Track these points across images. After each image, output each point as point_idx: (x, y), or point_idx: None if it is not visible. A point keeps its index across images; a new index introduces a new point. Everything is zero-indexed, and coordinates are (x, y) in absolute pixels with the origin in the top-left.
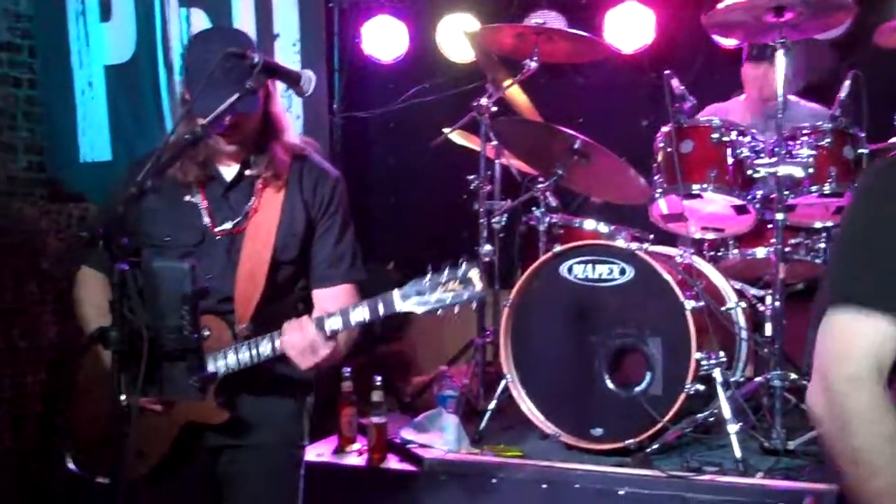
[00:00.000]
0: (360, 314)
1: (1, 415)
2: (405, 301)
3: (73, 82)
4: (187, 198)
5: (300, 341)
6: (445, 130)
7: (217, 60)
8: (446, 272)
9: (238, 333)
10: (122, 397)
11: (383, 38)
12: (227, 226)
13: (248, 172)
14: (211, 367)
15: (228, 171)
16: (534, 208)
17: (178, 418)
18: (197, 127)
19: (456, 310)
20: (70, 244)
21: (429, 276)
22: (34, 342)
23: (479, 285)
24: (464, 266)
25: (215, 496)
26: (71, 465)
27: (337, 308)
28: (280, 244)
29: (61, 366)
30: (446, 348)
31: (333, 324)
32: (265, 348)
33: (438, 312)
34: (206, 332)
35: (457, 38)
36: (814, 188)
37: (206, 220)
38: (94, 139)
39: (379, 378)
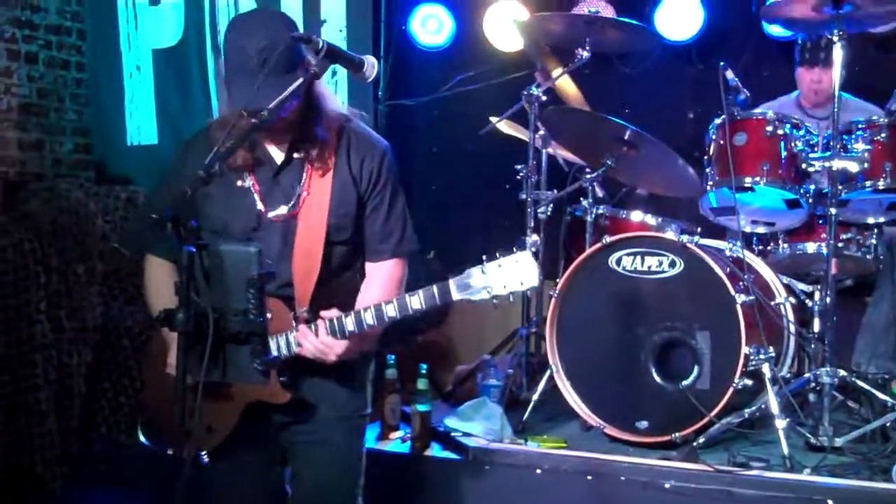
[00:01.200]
0: (415, 303)
1: (46, 394)
2: (460, 291)
3: (122, 65)
4: (239, 183)
5: (309, 348)
6: (493, 119)
7: (257, 58)
8: (501, 261)
9: (299, 316)
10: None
11: (430, 26)
12: (282, 210)
13: (296, 155)
14: (274, 351)
15: (278, 153)
16: (581, 199)
17: (244, 397)
18: (264, 112)
19: (511, 299)
20: (139, 226)
21: (483, 265)
22: (80, 323)
23: (533, 274)
24: (518, 255)
25: (278, 474)
26: (142, 438)
27: (383, 286)
28: (333, 225)
29: (106, 347)
30: (485, 338)
31: (349, 325)
32: (284, 350)
33: (494, 302)
34: (269, 316)
35: (503, 26)
36: (868, 183)
37: (259, 205)
38: (142, 122)
39: (424, 366)
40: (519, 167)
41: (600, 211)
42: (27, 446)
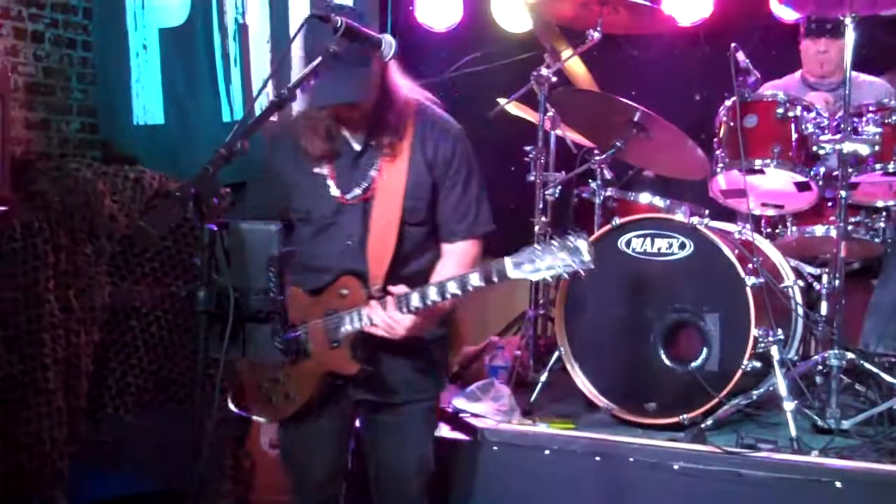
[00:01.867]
0: (474, 280)
1: (54, 374)
2: (517, 269)
3: (128, 45)
4: (316, 170)
5: (378, 323)
6: (502, 101)
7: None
8: (556, 241)
9: (373, 294)
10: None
11: (437, 7)
12: (357, 192)
13: (372, 142)
14: (347, 324)
15: (356, 140)
16: (590, 181)
17: (319, 368)
18: (283, 90)
19: (565, 275)
20: (162, 204)
21: (539, 244)
22: (88, 303)
23: (587, 255)
24: (573, 236)
25: (346, 441)
26: (231, 406)
27: (457, 265)
28: (408, 207)
29: (114, 326)
30: (492, 320)
31: (414, 300)
32: (357, 323)
33: (548, 279)
34: (344, 291)
35: (511, 7)
36: (878, 166)
37: (336, 190)
38: (148, 102)
39: None
40: (528, 149)
41: (609, 193)
42: (35, 426)
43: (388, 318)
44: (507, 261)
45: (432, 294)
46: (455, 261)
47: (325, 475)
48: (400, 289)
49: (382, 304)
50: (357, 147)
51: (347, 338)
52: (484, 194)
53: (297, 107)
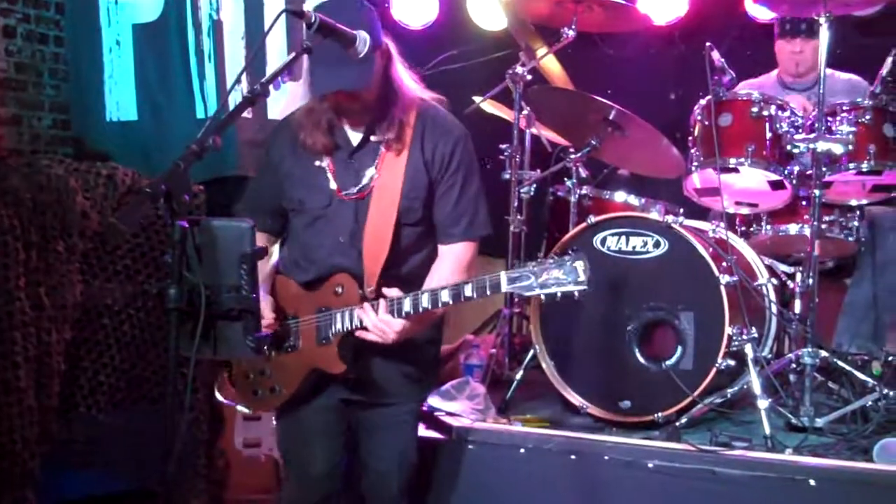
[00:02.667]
0: (467, 291)
1: (25, 372)
2: (512, 284)
3: (101, 40)
4: (317, 163)
5: (369, 327)
6: (477, 98)
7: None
8: (554, 260)
9: (366, 294)
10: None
11: (413, 4)
12: (352, 190)
13: (372, 138)
14: (339, 323)
15: (355, 135)
16: (565, 179)
17: (306, 363)
18: (256, 87)
19: (558, 297)
20: (134, 201)
21: (536, 261)
22: (59, 301)
23: (583, 277)
24: (571, 256)
25: (343, 437)
26: (218, 396)
27: (451, 268)
28: (404, 207)
29: (86, 324)
30: (467, 318)
31: (406, 306)
32: (347, 323)
33: (542, 298)
34: (339, 289)
35: (487, 5)
36: (852, 165)
37: (333, 184)
38: (121, 98)
39: None
40: (503, 147)
41: (584, 191)
42: (6, 425)
43: (379, 322)
44: (503, 275)
45: (424, 301)
46: (451, 263)
47: (324, 469)
48: (393, 292)
49: (374, 307)
50: (356, 142)
51: (337, 337)
52: (482, 197)
53: (300, 101)
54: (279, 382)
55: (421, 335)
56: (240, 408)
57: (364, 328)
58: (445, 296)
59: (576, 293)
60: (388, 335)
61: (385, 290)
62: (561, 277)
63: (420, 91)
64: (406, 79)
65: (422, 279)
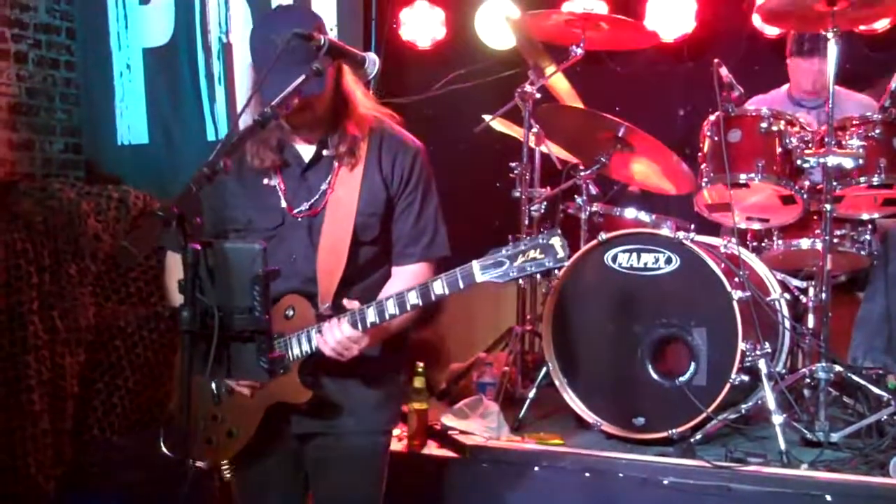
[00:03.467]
0: (437, 288)
1: (39, 395)
2: (485, 272)
3: (112, 65)
4: (265, 181)
5: (330, 342)
6: (486, 117)
7: (283, 43)
8: (526, 240)
9: (322, 313)
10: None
11: (421, 24)
12: (304, 207)
13: (325, 152)
14: (295, 348)
15: (306, 151)
16: (575, 196)
17: (265, 399)
18: (266, 109)
19: (538, 277)
20: (146, 224)
21: (509, 245)
22: (73, 324)
23: (560, 252)
24: (546, 233)
25: (302, 481)
26: (163, 448)
27: (407, 283)
28: (360, 223)
29: (99, 347)
30: (478, 336)
31: (370, 316)
32: (306, 346)
33: (519, 281)
34: (290, 312)
35: (495, 24)
36: (862, 179)
37: (284, 203)
38: (132, 122)
39: (420, 364)
40: (513, 165)
41: (594, 208)
42: (20, 448)
43: (342, 338)
44: (475, 264)
45: (390, 307)
46: (405, 281)
47: None
48: (353, 304)
49: (336, 323)
50: (307, 158)
51: (296, 363)
52: (441, 217)
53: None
54: (236, 425)
55: (378, 356)
56: (195, 463)
57: (325, 346)
58: (413, 297)
59: (556, 271)
60: (351, 352)
61: (345, 302)
62: (538, 258)
63: (373, 106)
64: (358, 92)
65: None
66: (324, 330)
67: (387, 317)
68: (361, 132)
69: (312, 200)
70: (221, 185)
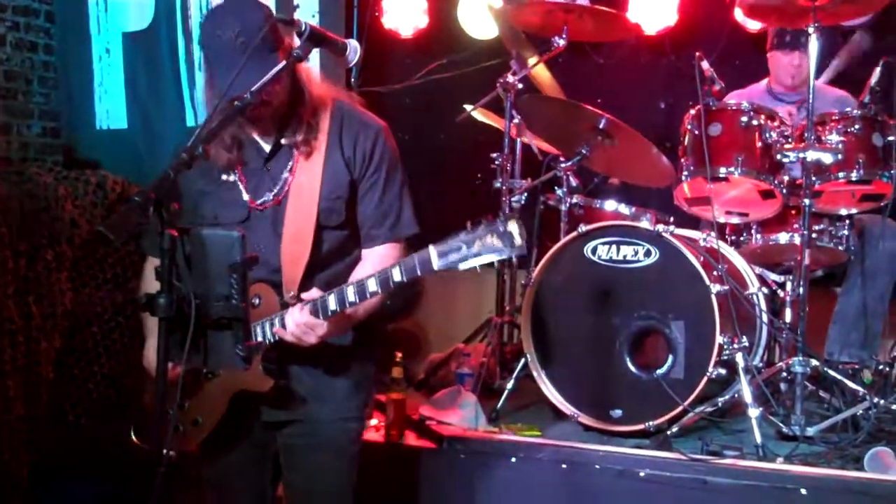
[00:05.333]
0: (396, 275)
1: (14, 382)
2: (442, 258)
3: (91, 49)
4: (224, 177)
5: (290, 327)
6: (468, 107)
7: (234, 45)
8: (483, 226)
9: (287, 300)
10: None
11: (403, 13)
12: (267, 197)
13: (284, 141)
14: (259, 336)
15: (265, 143)
16: (555, 188)
17: (229, 387)
18: (246, 94)
19: (495, 264)
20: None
21: (466, 230)
22: (49, 309)
23: (519, 239)
24: (502, 219)
25: (269, 470)
26: (133, 437)
27: (377, 268)
28: (324, 208)
29: (75, 333)
30: (457, 327)
31: (331, 304)
32: (269, 335)
33: (476, 268)
34: (256, 301)
35: (478, 13)
36: (841, 174)
37: (246, 196)
38: (111, 106)
39: (399, 354)
40: (494, 155)
41: (574, 200)
42: None
43: (301, 324)
44: (432, 250)
45: (350, 295)
46: (373, 266)
47: None
48: (312, 293)
49: (295, 310)
50: (267, 149)
51: (259, 352)
52: (407, 194)
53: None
54: (201, 413)
55: (344, 342)
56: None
57: (285, 330)
58: (373, 284)
59: (513, 258)
60: (309, 338)
61: (304, 294)
62: (496, 244)
63: (331, 89)
64: (312, 77)
65: None
66: (285, 316)
67: (347, 304)
68: (319, 116)
69: (276, 190)
70: (189, 181)
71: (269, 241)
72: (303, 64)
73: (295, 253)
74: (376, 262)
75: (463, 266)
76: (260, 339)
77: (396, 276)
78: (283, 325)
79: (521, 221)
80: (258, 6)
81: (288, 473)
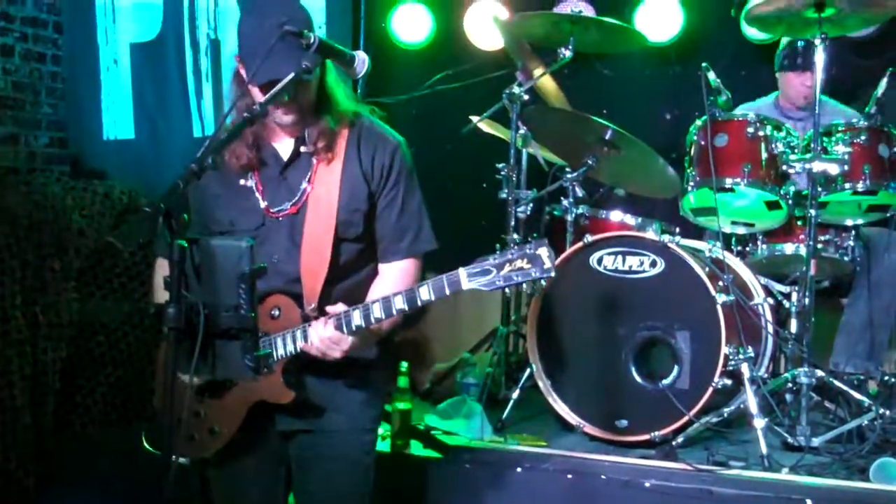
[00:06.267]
0: (424, 294)
1: (20, 391)
2: (472, 280)
3: (99, 59)
4: (242, 182)
5: (315, 343)
6: (474, 118)
7: (275, 34)
8: (514, 250)
9: (308, 314)
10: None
11: (410, 24)
12: (285, 206)
13: (303, 149)
14: (280, 348)
15: (284, 149)
16: (561, 198)
17: (248, 397)
18: (255, 105)
19: (525, 287)
20: (134, 220)
21: (496, 253)
22: (55, 319)
23: (548, 263)
24: (532, 244)
25: (284, 480)
26: (146, 444)
27: (396, 286)
28: (342, 220)
29: (82, 343)
30: (462, 337)
31: (356, 319)
32: (291, 346)
33: (505, 290)
34: (276, 312)
35: (484, 25)
36: (847, 185)
37: (262, 203)
38: (118, 117)
39: (405, 364)
40: (499, 166)
41: (580, 211)
42: (1, 443)
43: (326, 339)
44: (462, 272)
45: (376, 311)
46: (393, 280)
47: None
48: (338, 307)
49: (321, 324)
50: (286, 156)
51: (280, 363)
52: (425, 211)
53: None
54: (218, 423)
55: (364, 356)
56: (177, 459)
57: (310, 345)
58: (400, 302)
59: (543, 282)
60: (334, 352)
61: (329, 308)
62: (525, 267)
63: (354, 102)
64: (340, 88)
65: (363, 299)
66: (310, 331)
67: (372, 320)
68: (340, 127)
69: (294, 199)
70: (204, 187)
71: (286, 251)
72: (331, 75)
73: (314, 264)
74: (397, 277)
75: (492, 288)
76: (281, 351)
77: (424, 295)
78: (306, 339)
79: (550, 238)
80: (301, 12)
81: (301, 483)
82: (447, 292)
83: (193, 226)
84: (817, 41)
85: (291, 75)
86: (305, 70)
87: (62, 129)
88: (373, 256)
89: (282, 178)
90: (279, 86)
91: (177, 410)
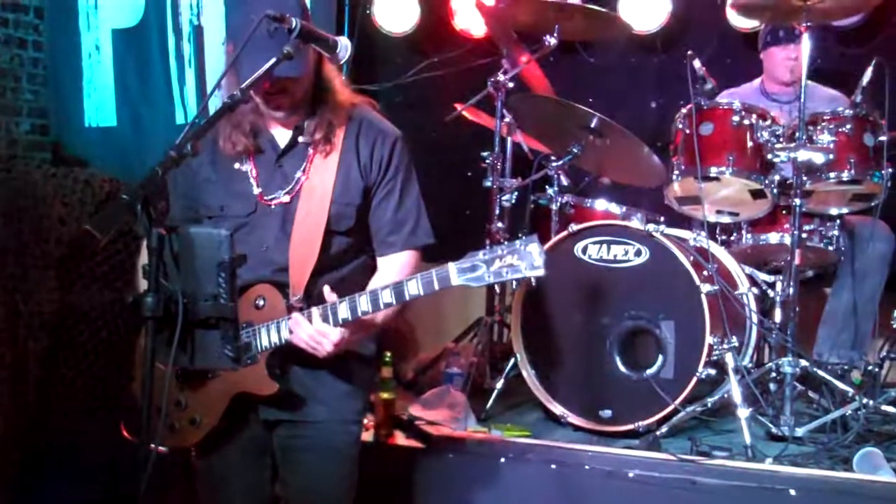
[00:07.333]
0: (412, 288)
1: (1, 380)
2: (462, 276)
3: (80, 46)
4: (237, 166)
5: (302, 337)
6: (458, 106)
7: (258, 22)
8: (505, 245)
9: (293, 304)
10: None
11: (395, 11)
12: (278, 194)
13: (300, 139)
14: (264, 338)
15: (282, 137)
16: (546, 187)
17: (231, 388)
18: (236, 91)
19: (514, 284)
20: (110, 206)
21: (486, 249)
22: (36, 307)
23: (538, 260)
24: (524, 240)
25: (269, 470)
26: (125, 433)
27: (395, 277)
28: (335, 212)
29: (63, 332)
30: (447, 327)
31: (342, 311)
32: (275, 338)
33: (495, 286)
34: (261, 302)
35: (469, 11)
36: (832, 174)
37: (256, 189)
38: (100, 104)
39: (388, 354)
40: (484, 154)
41: (565, 199)
42: None
43: (314, 333)
44: (452, 267)
45: (363, 304)
46: (391, 273)
47: None
48: (332, 296)
49: (307, 316)
50: (283, 144)
51: (264, 354)
52: (422, 205)
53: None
54: (200, 413)
55: (358, 347)
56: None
57: (297, 339)
58: (387, 296)
59: (532, 279)
60: (324, 347)
61: (326, 293)
62: (515, 264)
63: (351, 94)
64: (337, 79)
65: (350, 293)
66: (293, 325)
67: (359, 313)
68: (338, 119)
69: (287, 188)
70: (195, 171)
71: (276, 240)
72: (327, 62)
73: (303, 255)
74: (396, 270)
75: (480, 284)
76: (265, 342)
77: (413, 289)
78: (290, 331)
79: (546, 246)
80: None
81: (286, 473)
82: (436, 287)
83: (182, 210)
84: (804, 28)
85: (272, 61)
86: (286, 55)
87: (43, 115)
88: (361, 251)
89: (277, 165)
90: (259, 72)
91: (156, 400)
